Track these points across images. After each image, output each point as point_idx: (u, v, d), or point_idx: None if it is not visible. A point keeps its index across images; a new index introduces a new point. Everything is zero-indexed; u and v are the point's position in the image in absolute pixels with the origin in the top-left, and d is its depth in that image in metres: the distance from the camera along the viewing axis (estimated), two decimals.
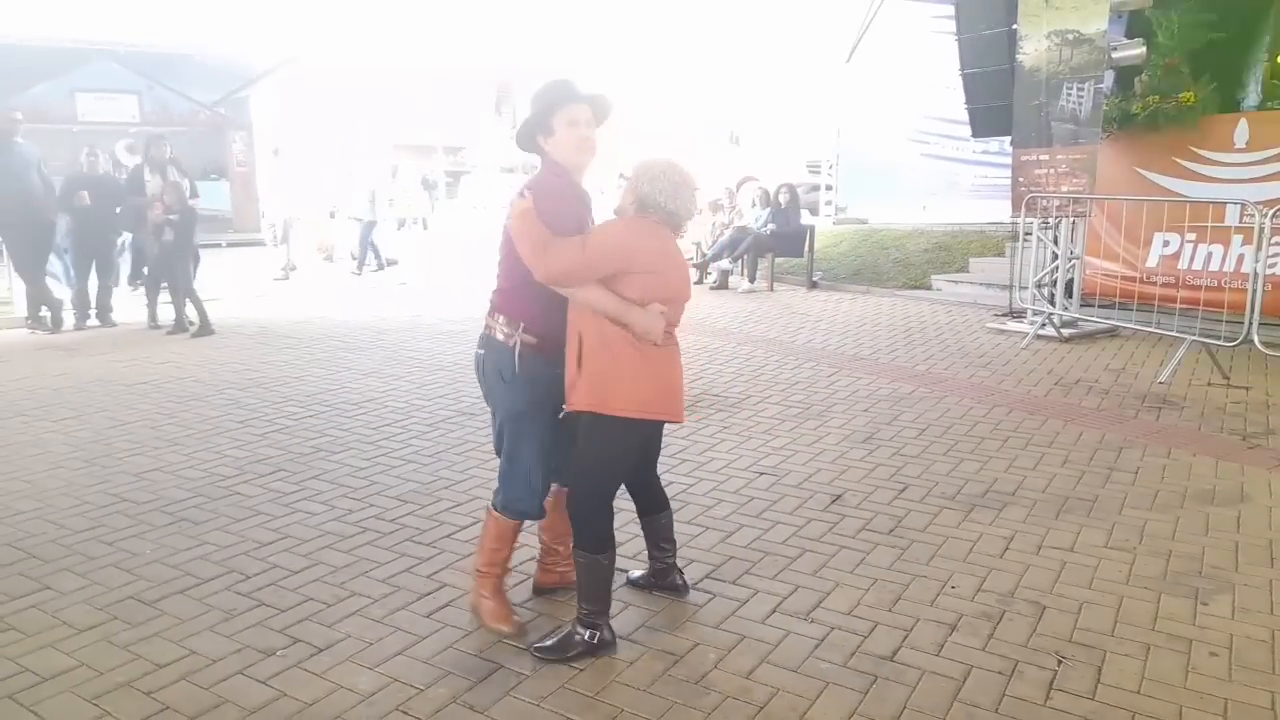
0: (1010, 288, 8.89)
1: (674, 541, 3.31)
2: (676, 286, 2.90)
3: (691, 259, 12.82)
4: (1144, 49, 7.85)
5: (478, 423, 5.43)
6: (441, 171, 21.31)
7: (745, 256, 11.33)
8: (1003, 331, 8.23)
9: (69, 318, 8.60)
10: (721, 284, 11.44)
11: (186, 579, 3.42)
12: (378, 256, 13.35)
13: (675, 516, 3.97)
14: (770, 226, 11.32)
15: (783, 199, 11.53)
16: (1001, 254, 10.68)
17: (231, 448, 4.97)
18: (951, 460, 4.73)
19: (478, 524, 3.93)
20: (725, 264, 11.48)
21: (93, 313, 8.73)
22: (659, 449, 3.29)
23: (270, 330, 8.48)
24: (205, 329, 8.17)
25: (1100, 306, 8.14)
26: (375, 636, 3.01)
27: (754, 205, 11.82)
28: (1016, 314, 8.63)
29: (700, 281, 11.81)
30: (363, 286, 11.73)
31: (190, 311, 8.30)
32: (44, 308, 8.45)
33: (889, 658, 2.87)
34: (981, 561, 3.54)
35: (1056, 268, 8.13)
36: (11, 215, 8.15)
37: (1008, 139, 9.14)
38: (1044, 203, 7.99)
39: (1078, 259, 8.20)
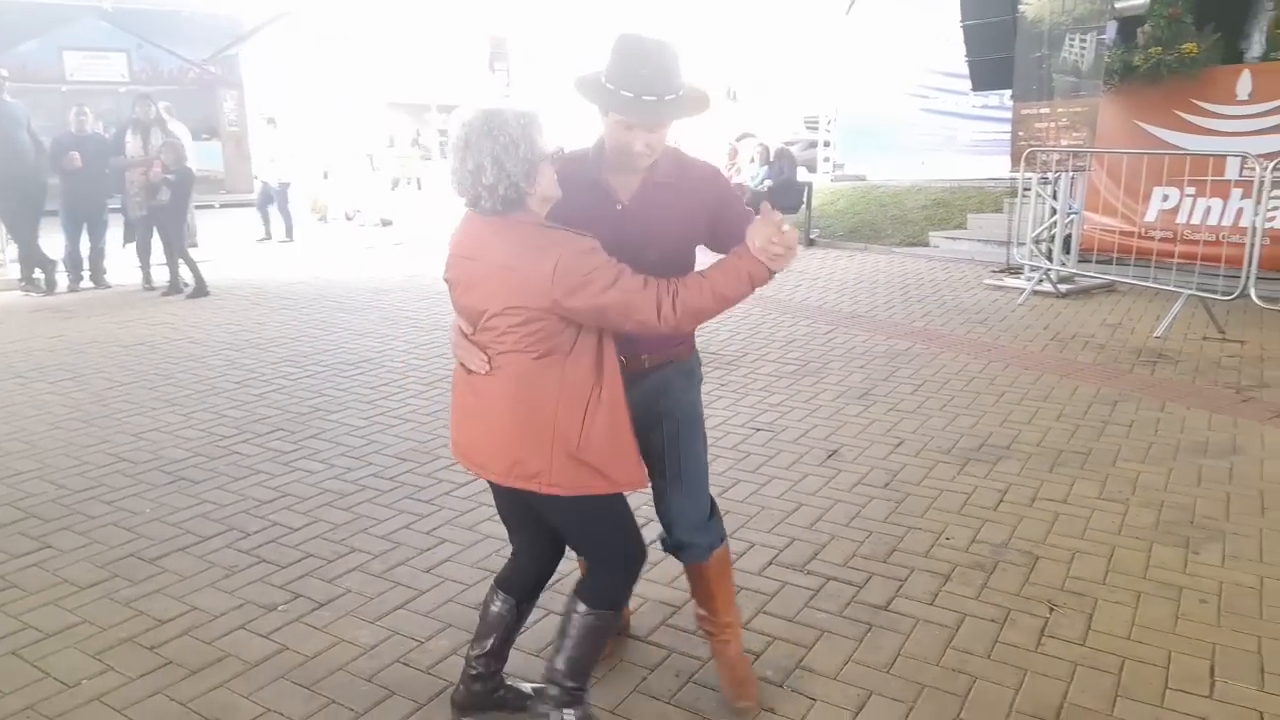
0: (1008, 244, 8.85)
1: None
2: (461, 298, 2.10)
3: None
4: None
5: None
6: (436, 130, 21.05)
7: None
8: (1000, 288, 8.21)
9: (62, 280, 8.56)
10: None
11: (187, 537, 3.45)
12: (287, 221, 12.02)
13: None
14: (767, 183, 11.24)
15: (776, 156, 11.44)
16: (1000, 210, 10.62)
17: (229, 408, 4.98)
18: (947, 415, 4.75)
19: (476, 480, 3.96)
20: None
21: (86, 274, 8.68)
22: (556, 528, 2.24)
23: (265, 291, 8.45)
24: (200, 290, 8.14)
25: (1098, 262, 8.12)
26: (376, 591, 3.04)
27: (752, 161, 11.72)
28: (1014, 270, 8.60)
29: None
30: (357, 247, 11.65)
31: (185, 273, 8.26)
32: (37, 269, 8.40)
33: (884, 607, 2.90)
34: (976, 513, 3.57)
35: (1055, 223, 8.09)
36: (2, 176, 8.06)
37: (1008, 93, 9.05)
38: (1043, 157, 7.93)
39: (1076, 214, 8.15)
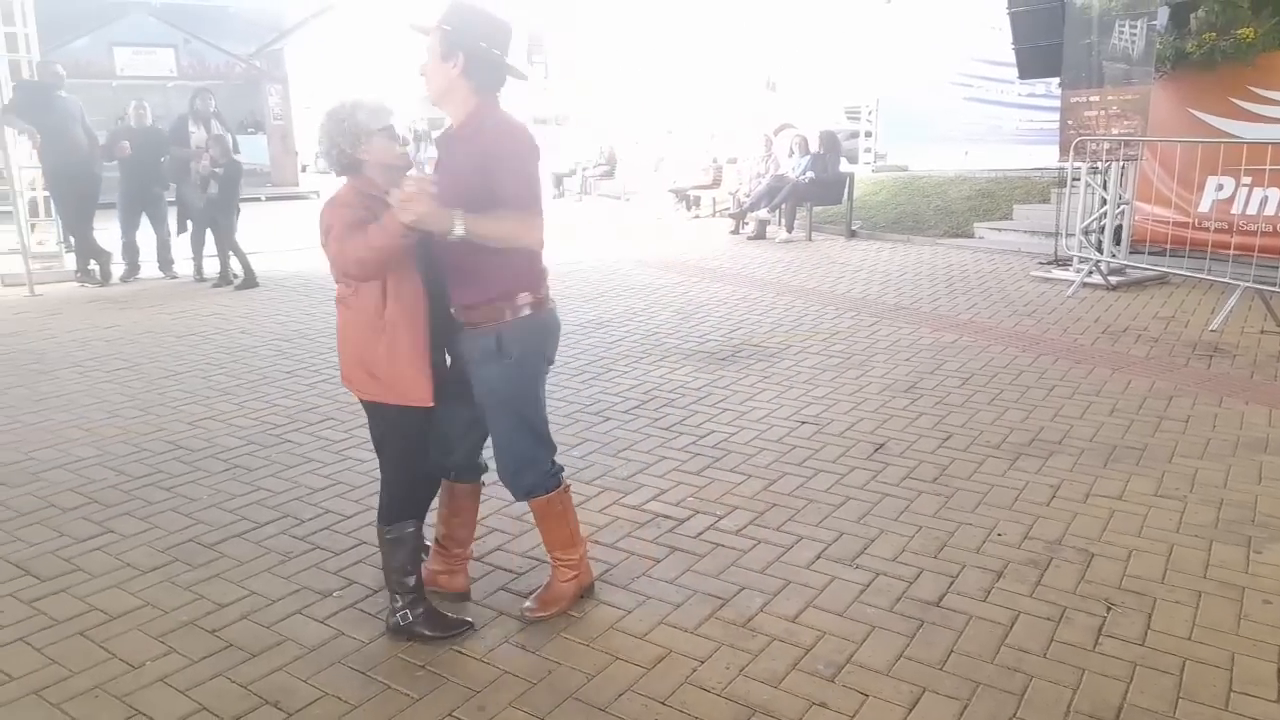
0: (1056, 235, 8.70)
1: None
2: None
3: (728, 208, 12.70)
4: None
5: None
6: None
7: (783, 206, 11.18)
8: (1048, 280, 8.08)
9: (117, 271, 8.75)
10: (759, 234, 11.33)
11: (243, 523, 3.52)
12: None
13: (717, 464, 4.03)
14: (809, 175, 11.14)
15: (821, 146, 11.33)
16: (1047, 200, 10.45)
17: (280, 397, 5.07)
18: (996, 409, 4.68)
19: None
20: (763, 214, 11.35)
21: (155, 264, 8.84)
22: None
23: (313, 282, 8.56)
24: (250, 281, 8.29)
25: (1150, 253, 7.94)
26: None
27: (792, 154, 11.63)
28: (1062, 262, 8.45)
29: (737, 231, 11.71)
30: None
31: (235, 264, 8.41)
32: (92, 261, 8.60)
33: (935, 603, 2.88)
34: (1028, 509, 3.53)
35: (1105, 214, 7.93)
36: (59, 170, 8.26)
37: (1055, 80, 8.88)
38: (1093, 146, 7.77)
39: (1127, 204, 7.99)
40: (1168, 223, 7.91)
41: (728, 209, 12.78)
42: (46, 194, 9.04)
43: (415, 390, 2.62)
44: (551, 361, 2.82)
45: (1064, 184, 8.60)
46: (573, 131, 19.22)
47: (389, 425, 2.72)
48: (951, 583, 3.00)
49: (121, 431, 4.53)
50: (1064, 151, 8.10)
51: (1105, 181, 7.94)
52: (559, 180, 17.13)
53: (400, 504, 2.74)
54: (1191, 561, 3.10)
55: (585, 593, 2.94)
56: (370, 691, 2.50)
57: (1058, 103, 8.63)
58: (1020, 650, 2.62)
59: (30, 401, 5.01)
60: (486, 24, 2.58)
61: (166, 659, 2.65)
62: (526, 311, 2.64)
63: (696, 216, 13.96)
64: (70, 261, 8.84)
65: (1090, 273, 7.69)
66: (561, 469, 2.86)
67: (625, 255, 9.98)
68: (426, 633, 2.72)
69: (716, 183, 14.17)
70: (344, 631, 2.78)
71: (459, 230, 2.38)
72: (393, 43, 19.79)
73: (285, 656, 2.66)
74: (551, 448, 2.83)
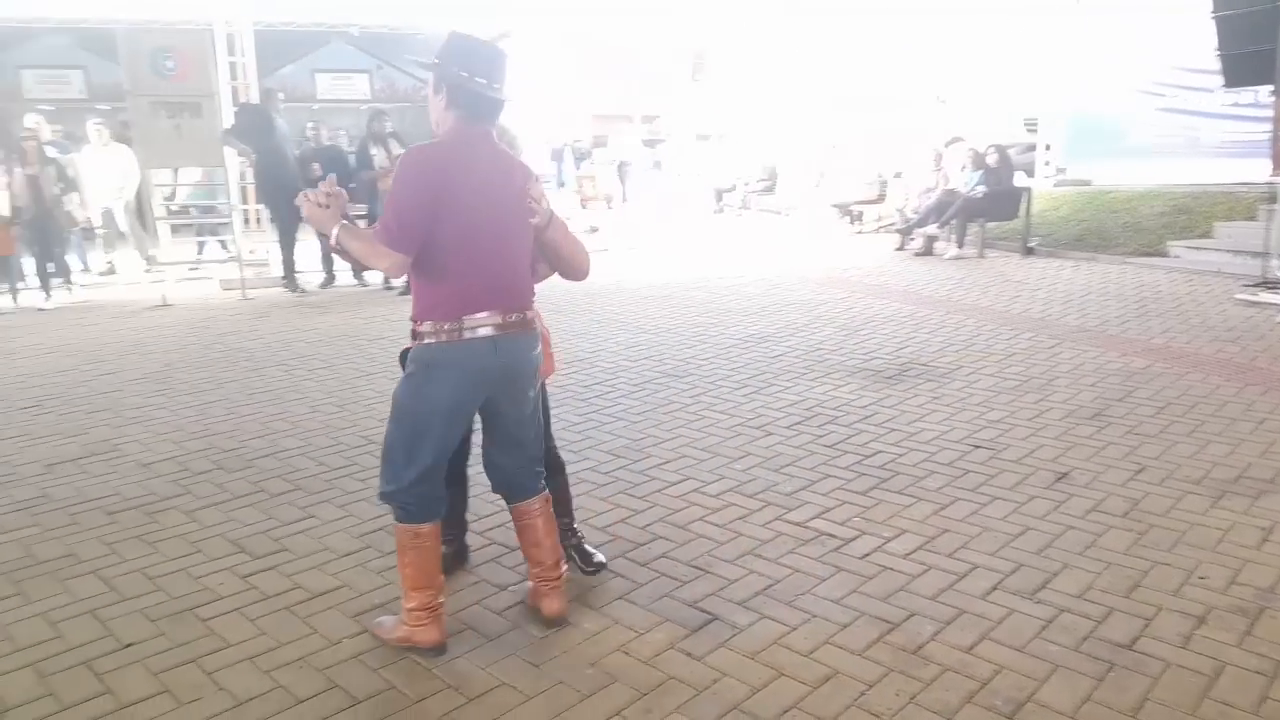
0: (1265, 255, 7.96)
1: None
2: None
3: (892, 223, 12.39)
4: None
5: (683, 384, 5.54)
6: (639, 141, 21.54)
7: (953, 221, 10.79)
8: (1255, 304, 7.40)
9: (317, 278, 9.51)
10: (926, 250, 10.98)
11: None
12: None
13: (884, 485, 3.95)
14: (981, 188, 10.71)
15: (992, 160, 10.87)
16: (1254, 218, 9.59)
17: None
18: (1196, 442, 4.34)
19: (686, 480, 4.05)
20: (932, 229, 10.99)
21: (348, 272, 9.56)
22: None
23: None
24: None
25: None
26: (596, 581, 3.18)
27: (964, 168, 11.21)
28: (1272, 284, 7.72)
29: (902, 248, 11.39)
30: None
31: None
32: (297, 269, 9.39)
33: (1127, 646, 2.70)
34: (1234, 552, 3.25)
35: None
36: (275, 186, 9.11)
37: (1266, 89, 8.15)
38: None
39: None
40: None
41: (892, 224, 12.46)
42: (258, 207, 9.96)
43: None
44: (467, 403, 2.75)
45: (1275, 200, 7.87)
46: (735, 147, 19.28)
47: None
48: (1146, 625, 2.80)
49: (322, 426, 4.93)
50: (1277, 165, 7.42)
51: None
52: (719, 195, 17.22)
53: None
54: None
55: (421, 649, 2.74)
56: (543, 684, 2.60)
57: (1269, 113, 7.93)
58: (1226, 704, 2.42)
59: (244, 395, 5.53)
60: (469, 54, 2.61)
61: (361, 638, 2.86)
62: (428, 340, 2.68)
63: (859, 232, 13.69)
64: (277, 268, 9.68)
65: None
66: (417, 512, 2.71)
67: (786, 270, 9.91)
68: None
69: (881, 197, 13.84)
70: (519, 625, 2.91)
71: (333, 238, 2.60)
72: (564, 64, 20.53)
73: (466, 645, 2.81)
74: (416, 469, 2.69)
